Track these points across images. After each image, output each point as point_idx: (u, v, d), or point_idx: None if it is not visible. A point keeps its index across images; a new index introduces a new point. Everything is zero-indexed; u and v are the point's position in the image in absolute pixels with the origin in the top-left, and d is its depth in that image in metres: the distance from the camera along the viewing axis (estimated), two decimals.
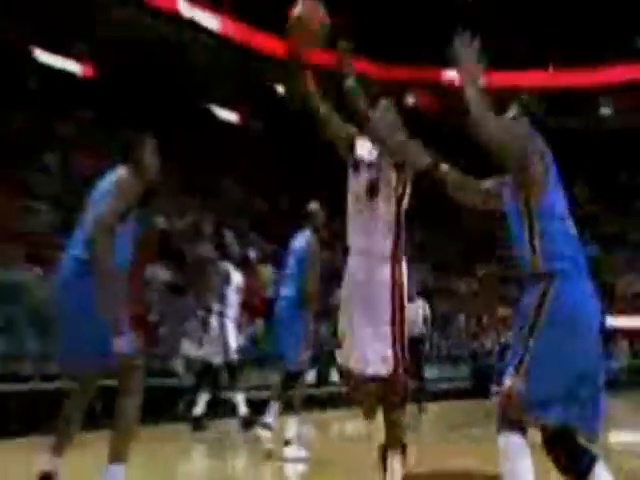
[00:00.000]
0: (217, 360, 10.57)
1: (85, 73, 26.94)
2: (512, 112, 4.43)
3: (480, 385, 19.75)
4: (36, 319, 14.00)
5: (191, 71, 28.98)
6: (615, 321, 26.60)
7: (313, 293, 8.06)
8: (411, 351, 14.94)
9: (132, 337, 4.89)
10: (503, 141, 4.10)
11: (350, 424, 12.38)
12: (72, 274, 4.96)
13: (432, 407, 15.42)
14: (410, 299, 14.45)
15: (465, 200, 4.59)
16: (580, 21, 32.99)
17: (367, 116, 5.10)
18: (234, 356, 10.47)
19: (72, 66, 26.66)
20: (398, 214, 5.16)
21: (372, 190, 5.11)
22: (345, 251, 5.40)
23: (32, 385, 12.36)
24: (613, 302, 27.22)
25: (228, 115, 32.15)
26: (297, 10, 5.00)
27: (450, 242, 31.65)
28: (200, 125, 27.33)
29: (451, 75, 30.91)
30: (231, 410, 10.75)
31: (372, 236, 5.12)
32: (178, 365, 15.03)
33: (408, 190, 5.20)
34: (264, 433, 8.01)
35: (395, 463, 5.08)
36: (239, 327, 11.33)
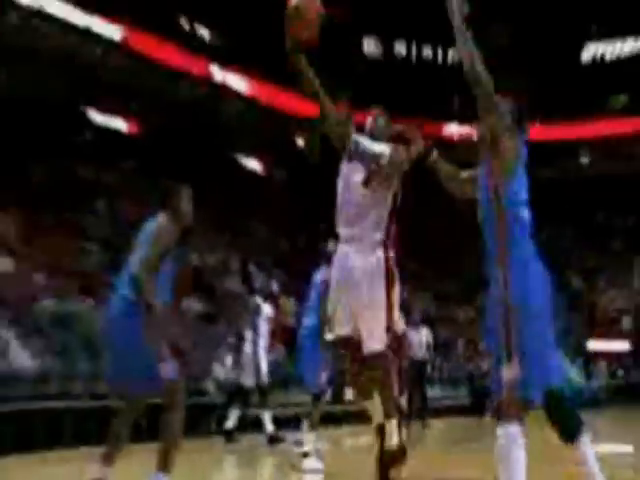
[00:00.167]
0: (249, 382, 10.59)
1: (130, 130, 27.09)
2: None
3: (477, 403, 19.59)
4: (87, 344, 14.03)
5: (221, 127, 29.17)
6: (595, 345, 26.47)
7: None
8: (416, 373, 14.86)
9: (174, 363, 4.93)
10: (489, 92, 3.99)
11: (363, 438, 12.31)
12: (122, 311, 5.03)
13: (435, 423, 15.32)
14: (414, 326, 14.46)
15: (456, 190, 4.49)
16: (560, 83, 33.18)
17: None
18: (265, 379, 10.44)
19: (119, 124, 26.76)
20: (392, 208, 4.94)
21: (368, 181, 4.85)
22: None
23: (83, 402, 12.32)
24: (593, 328, 27.08)
25: (254, 165, 32.31)
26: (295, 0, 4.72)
27: (450, 277, 31.59)
28: (229, 174, 27.46)
29: (451, 130, 31.25)
30: (258, 426, 10.75)
31: (363, 224, 4.85)
32: (209, 386, 15.02)
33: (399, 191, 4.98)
34: (296, 449, 8.08)
35: (391, 428, 4.81)
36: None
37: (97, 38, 25.42)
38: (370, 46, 37.21)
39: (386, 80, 33.27)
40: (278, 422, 10.58)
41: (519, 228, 3.98)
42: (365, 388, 4.94)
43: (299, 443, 8.06)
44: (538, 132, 33.70)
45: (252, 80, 30.36)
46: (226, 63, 29.45)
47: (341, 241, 4.98)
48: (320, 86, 4.80)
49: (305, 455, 7.84)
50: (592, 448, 3.90)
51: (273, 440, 10.04)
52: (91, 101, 25.66)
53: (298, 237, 28.21)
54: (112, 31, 25.87)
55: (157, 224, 5.19)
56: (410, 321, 14.94)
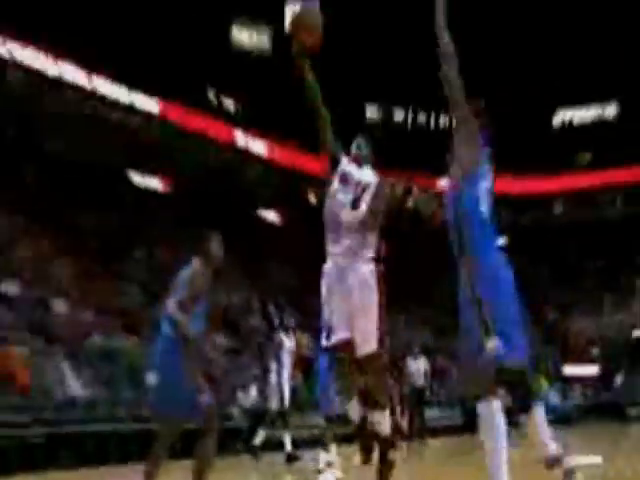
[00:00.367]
0: (274, 407, 10.56)
1: (165, 188, 27.26)
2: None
3: (469, 423, 19.43)
4: (130, 375, 14.05)
5: (244, 184, 29.29)
6: (569, 370, 26.30)
7: None
8: (416, 398, 14.69)
9: (210, 393, 4.93)
10: (460, 103, 3.93)
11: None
12: (165, 348, 5.04)
13: (433, 441, 15.20)
14: (414, 357, 14.40)
15: (426, 210, 4.49)
16: (536, 144, 33.38)
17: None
18: (287, 405, 10.33)
19: (156, 183, 26.95)
20: (380, 229, 4.63)
21: (356, 203, 4.56)
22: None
23: (126, 425, 12.35)
24: (568, 355, 26.95)
25: (272, 217, 32.41)
26: (297, 10, 4.48)
27: (447, 313, 31.44)
28: (251, 225, 27.52)
29: (443, 183, 31.04)
30: (277, 446, 10.71)
31: (352, 243, 4.54)
32: (235, 411, 14.97)
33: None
34: (313, 466, 8.05)
35: (383, 417, 4.60)
36: None
37: (139, 111, 25.89)
38: (372, 112, 37.50)
39: (386, 141, 33.46)
40: (295, 443, 10.55)
41: (482, 230, 3.89)
42: (352, 388, 4.71)
43: (315, 460, 8.03)
44: (517, 186, 33.93)
45: (270, 144, 30.58)
46: (248, 130, 29.58)
47: (332, 257, 4.64)
48: (320, 99, 4.62)
49: (319, 472, 7.83)
50: (543, 417, 3.86)
51: (291, 458, 10.00)
52: (133, 164, 25.73)
53: (310, 278, 28.14)
54: (151, 104, 26.31)
55: (191, 269, 5.15)
56: (411, 353, 14.92)
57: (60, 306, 15.93)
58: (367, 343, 4.48)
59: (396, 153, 31.04)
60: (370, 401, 4.62)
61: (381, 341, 4.46)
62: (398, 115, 37.70)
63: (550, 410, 18.62)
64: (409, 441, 13.66)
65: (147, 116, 26.18)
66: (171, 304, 5.02)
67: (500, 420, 3.59)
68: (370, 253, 4.58)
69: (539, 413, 3.85)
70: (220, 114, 29.57)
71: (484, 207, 3.95)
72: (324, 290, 4.65)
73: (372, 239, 4.59)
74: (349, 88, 28.87)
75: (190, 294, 5.02)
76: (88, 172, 22.09)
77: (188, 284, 5.08)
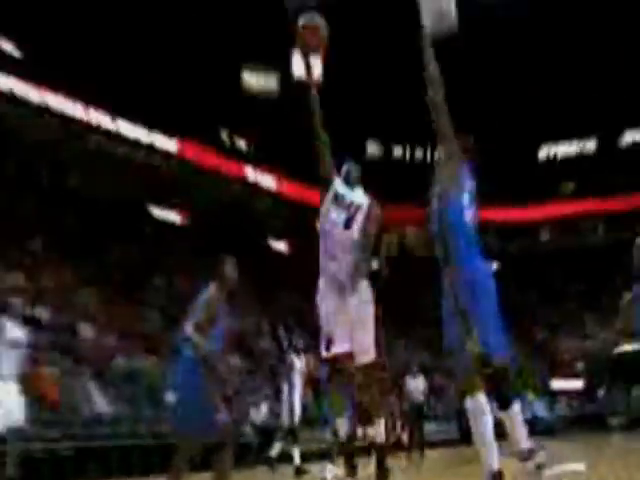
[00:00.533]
0: (286, 423, 10.51)
1: (182, 221, 27.38)
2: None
3: (465, 436, 19.32)
4: (150, 394, 14.07)
5: (254, 217, 29.34)
6: (556, 384, 26.24)
7: None
8: (415, 413, 14.58)
9: (226, 411, 4.95)
10: (445, 126, 3.91)
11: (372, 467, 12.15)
12: (185, 369, 5.03)
13: (430, 453, 15.12)
14: (413, 375, 14.40)
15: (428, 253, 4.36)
16: (523, 176, 33.49)
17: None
18: (297, 421, 10.21)
19: (173, 216, 27.07)
20: (372, 248, 4.57)
21: (349, 223, 4.51)
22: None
23: (147, 441, 12.37)
24: (555, 371, 26.88)
25: (281, 246, 32.44)
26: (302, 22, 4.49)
27: (443, 336, 31.32)
28: (261, 253, 27.51)
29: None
30: (287, 459, 10.69)
31: (346, 261, 4.48)
32: (248, 428, 14.94)
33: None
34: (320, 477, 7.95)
35: (378, 426, 4.50)
36: None
37: (158, 150, 26.01)
38: (372, 148, 37.63)
39: (385, 175, 33.61)
40: (304, 456, 10.53)
41: (466, 240, 3.86)
42: (343, 405, 4.64)
43: (323, 472, 8.01)
44: (506, 215, 34.01)
45: (279, 179, 30.65)
46: (258, 166, 29.72)
47: (327, 273, 4.55)
48: (321, 124, 4.55)
49: None
50: (520, 414, 3.84)
51: (299, 471, 9.97)
52: (153, 199, 25.93)
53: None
54: (170, 144, 26.48)
55: (208, 294, 5.14)
56: (410, 372, 14.88)
57: (87, 330, 15.97)
58: (365, 354, 4.42)
59: (395, 186, 31.17)
60: (365, 415, 4.61)
61: (378, 351, 4.44)
62: (397, 151, 37.87)
63: (538, 421, 18.56)
64: (409, 453, 13.62)
65: (166, 155, 26.28)
66: (188, 327, 5.02)
67: (486, 410, 3.59)
68: (363, 269, 4.48)
69: (517, 410, 3.82)
70: (232, 152, 29.71)
71: (468, 218, 3.93)
72: (321, 305, 4.54)
73: (365, 256, 4.51)
74: (351, 126, 29.12)
75: (206, 317, 5.01)
76: (112, 208, 22.24)
77: (205, 307, 5.07)
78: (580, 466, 8.49)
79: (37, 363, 11.84)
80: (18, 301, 7.06)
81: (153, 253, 22.24)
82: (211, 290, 5.18)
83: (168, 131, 26.08)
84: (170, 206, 26.60)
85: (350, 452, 5.41)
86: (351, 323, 4.42)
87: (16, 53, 22.88)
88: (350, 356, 4.45)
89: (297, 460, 10.21)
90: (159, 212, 26.35)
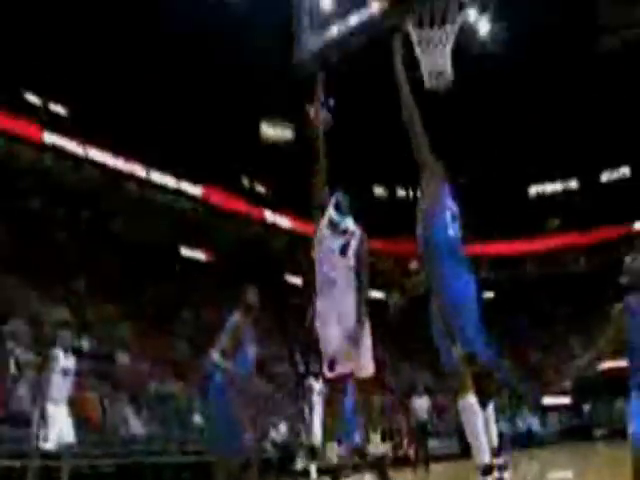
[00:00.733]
0: (305, 442, 10.41)
1: (207, 259, 27.39)
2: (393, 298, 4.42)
3: (466, 451, 19.12)
4: (179, 416, 14.14)
5: (272, 254, 29.40)
6: (547, 400, 26.10)
7: None
8: (420, 430, 14.51)
9: (252, 431, 5.01)
10: (423, 151, 3.90)
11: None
12: (216, 393, 5.02)
13: (435, 466, 15.04)
14: (419, 395, 14.39)
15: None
16: (514, 212, 33.60)
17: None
18: (317, 440, 9.99)
19: (199, 255, 27.06)
20: (359, 275, 4.28)
21: (344, 249, 4.27)
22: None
23: (177, 458, 12.41)
24: (545, 388, 26.65)
25: (297, 281, 32.35)
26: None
27: None
28: (279, 287, 27.48)
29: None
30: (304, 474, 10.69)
31: (343, 283, 4.24)
32: (268, 445, 14.91)
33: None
34: None
35: (376, 438, 4.29)
36: None
37: (185, 195, 26.36)
38: (378, 190, 37.81)
39: (391, 215, 33.68)
40: (320, 471, 10.52)
41: (450, 254, 3.83)
42: (334, 431, 4.37)
43: None
44: (498, 248, 34.09)
45: (294, 219, 30.79)
46: (275, 208, 29.89)
47: (325, 296, 4.27)
48: (323, 151, 4.48)
49: None
50: (494, 416, 3.86)
51: None
52: (181, 239, 26.00)
53: None
54: (195, 190, 26.79)
55: (233, 320, 5.12)
56: (415, 392, 14.86)
57: (123, 359, 16.14)
58: (364, 369, 4.21)
59: (399, 223, 31.22)
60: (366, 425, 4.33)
61: (377, 368, 4.25)
62: (400, 192, 38.04)
63: (532, 434, 18.46)
64: (415, 467, 13.59)
65: (193, 200, 26.64)
66: (214, 353, 5.00)
67: (477, 409, 3.61)
68: (356, 293, 4.24)
69: (490, 411, 3.85)
70: (252, 196, 30.01)
71: (453, 233, 3.91)
72: (323, 328, 4.23)
73: (362, 279, 4.27)
74: (359, 171, 29.47)
75: (231, 342, 4.97)
76: (146, 249, 22.42)
77: (230, 333, 5.05)
78: (568, 473, 8.52)
79: (82, 388, 12.04)
80: (67, 334, 7.27)
81: (182, 289, 22.29)
82: (236, 317, 5.14)
83: (195, 178, 26.38)
84: (197, 245, 26.61)
85: (340, 474, 5.28)
86: (350, 342, 4.15)
87: (61, 111, 23.52)
88: (350, 377, 4.28)
89: (314, 475, 10.20)
90: (187, 252, 26.38)
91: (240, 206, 28.66)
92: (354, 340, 4.13)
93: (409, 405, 14.41)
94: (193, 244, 26.49)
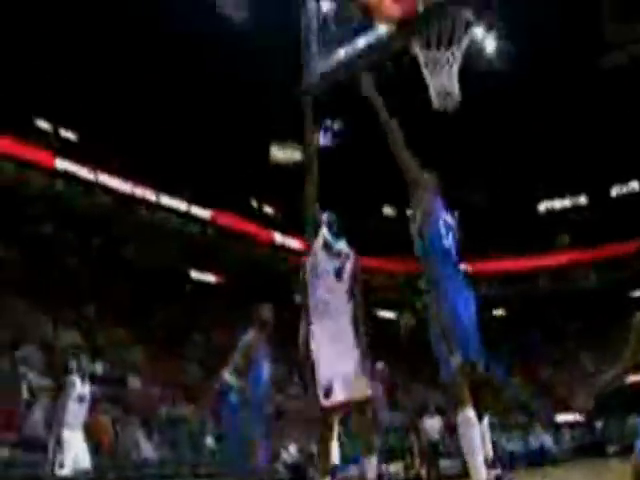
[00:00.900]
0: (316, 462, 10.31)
1: (217, 281, 27.47)
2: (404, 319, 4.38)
3: None
4: (190, 439, 14.09)
5: (281, 276, 29.37)
6: (560, 417, 25.90)
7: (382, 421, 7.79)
8: (432, 450, 14.35)
9: (264, 451, 4.96)
10: (411, 170, 3.92)
11: None
12: (229, 413, 4.99)
13: None
14: (431, 415, 14.24)
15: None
16: (526, 229, 33.59)
17: None
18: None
19: (209, 277, 27.14)
20: (354, 295, 4.18)
21: (340, 272, 4.14)
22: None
23: None
24: (558, 405, 26.44)
25: None
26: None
27: None
28: (286, 309, 27.36)
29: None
30: None
31: (338, 305, 4.12)
32: (279, 466, 14.89)
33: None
34: None
35: (370, 463, 4.14)
36: None
37: (194, 218, 26.53)
38: (387, 210, 37.84)
39: (399, 233, 33.57)
40: None
41: (446, 261, 3.83)
42: (328, 464, 4.22)
43: None
44: (509, 265, 34.03)
45: (303, 241, 30.72)
46: (284, 230, 29.84)
47: (321, 320, 4.12)
48: (316, 168, 4.44)
49: None
50: (488, 430, 3.84)
51: None
52: (191, 263, 26.11)
53: None
54: (205, 213, 26.96)
55: (246, 339, 5.13)
56: (427, 412, 14.72)
57: (135, 382, 16.14)
58: (359, 391, 4.04)
59: (408, 242, 31.17)
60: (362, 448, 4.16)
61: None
62: (409, 212, 37.97)
63: (545, 451, 18.19)
64: None
65: (202, 223, 26.81)
66: (226, 373, 4.98)
67: (474, 423, 3.60)
68: (351, 313, 4.14)
69: (485, 423, 3.84)
70: (261, 218, 30.10)
71: (446, 242, 3.88)
72: (318, 352, 4.07)
73: (356, 300, 4.18)
74: (368, 192, 29.53)
75: (244, 360, 4.97)
76: (156, 273, 22.53)
77: (242, 350, 5.05)
78: None
79: (95, 413, 12.03)
80: (84, 361, 7.30)
81: (192, 312, 22.29)
82: (249, 334, 5.14)
83: (204, 202, 26.54)
84: (206, 268, 26.71)
85: None
86: (345, 366, 4.02)
87: (72, 137, 23.79)
88: (347, 406, 4.10)
89: None
90: (197, 274, 26.46)
91: (249, 228, 28.73)
92: (352, 364, 4.03)
93: (420, 425, 14.26)
94: (203, 267, 26.56)
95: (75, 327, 16.85)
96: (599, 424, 24.61)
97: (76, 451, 6.70)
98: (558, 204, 36.46)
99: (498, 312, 33.43)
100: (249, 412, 4.89)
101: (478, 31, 20.44)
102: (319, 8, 4.75)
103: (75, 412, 6.81)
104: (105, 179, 23.36)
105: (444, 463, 16.93)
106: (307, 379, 3.97)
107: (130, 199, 24.11)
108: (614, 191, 34.38)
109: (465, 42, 4.15)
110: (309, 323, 4.12)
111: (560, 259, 33.93)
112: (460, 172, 32.14)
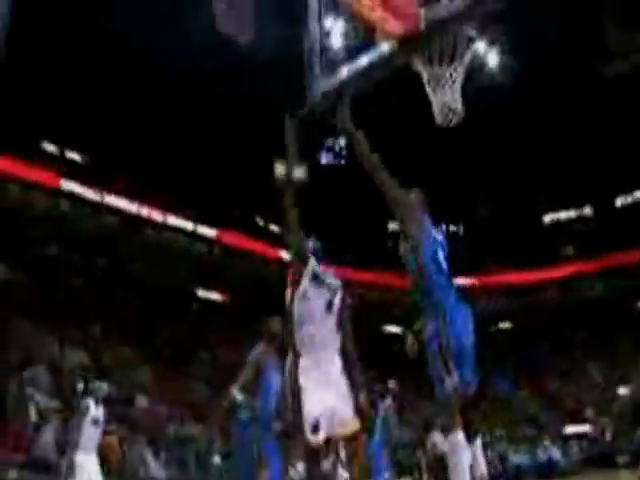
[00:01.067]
0: None
1: (223, 299, 27.34)
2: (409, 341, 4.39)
3: None
4: (197, 457, 14.02)
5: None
6: (569, 429, 25.70)
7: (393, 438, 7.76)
8: (440, 465, 14.23)
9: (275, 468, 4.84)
10: (390, 189, 3.90)
11: None
12: (238, 430, 4.92)
13: None
14: (438, 430, 14.10)
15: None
16: (531, 240, 33.57)
17: None
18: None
19: (216, 296, 27.06)
20: (342, 326, 4.03)
21: (330, 305, 3.98)
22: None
23: None
24: (567, 417, 26.21)
25: None
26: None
27: None
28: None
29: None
30: None
31: (327, 338, 3.96)
32: None
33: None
34: None
35: None
36: None
37: (200, 237, 26.54)
38: (393, 226, 37.83)
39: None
40: None
41: (441, 278, 3.83)
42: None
43: None
44: (514, 277, 33.96)
45: None
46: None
47: (308, 352, 3.94)
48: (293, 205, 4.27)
49: None
50: (481, 450, 3.83)
51: None
52: (197, 281, 26.11)
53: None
54: (211, 232, 26.95)
55: (255, 353, 5.11)
56: (435, 426, 14.65)
57: (142, 402, 16.10)
58: (347, 426, 3.87)
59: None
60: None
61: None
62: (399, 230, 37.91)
63: (554, 464, 18.06)
64: None
65: (208, 242, 26.84)
66: (234, 390, 4.96)
67: (464, 445, 3.61)
68: (340, 344, 4.00)
69: (478, 444, 3.83)
70: (267, 236, 30.13)
71: (440, 259, 3.90)
72: (306, 386, 3.88)
73: (344, 331, 4.04)
74: (375, 209, 29.50)
75: (253, 374, 4.94)
76: (162, 292, 22.47)
77: (250, 365, 5.04)
78: None
79: (104, 433, 11.96)
80: (101, 385, 7.27)
81: (198, 331, 22.30)
82: (258, 348, 5.11)
83: (210, 221, 26.58)
84: (213, 287, 26.67)
85: None
86: (333, 400, 3.85)
87: (77, 158, 23.93)
88: (335, 440, 3.96)
89: None
90: (203, 293, 26.44)
91: (255, 246, 28.74)
92: (340, 398, 3.88)
93: (428, 440, 14.16)
94: (209, 286, 26.52)
95: (82, 347, 16.84)
96: (608, 435, 24.39)
97: (89, 474, 6.67)
98: (563, 215, 36.44)
99: (504, 325, 33.25)
100: (258, 429, 4.86)
101: (480, 46, 20.55)
102: (321, 26, 4.78)
103: (89, 435, 6.80)
104: (111, 200, 23.45)
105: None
106: (294, 415, 3.82)
107: (136, 219, 24.18)
108: (619, 201, 34.32)
109: (467, 57, 4.16)
110: (297, 356, 3.95)
111: (566, 270, 33.83)
112: (465, 185, 32.37)
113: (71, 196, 22.39)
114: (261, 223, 30.91)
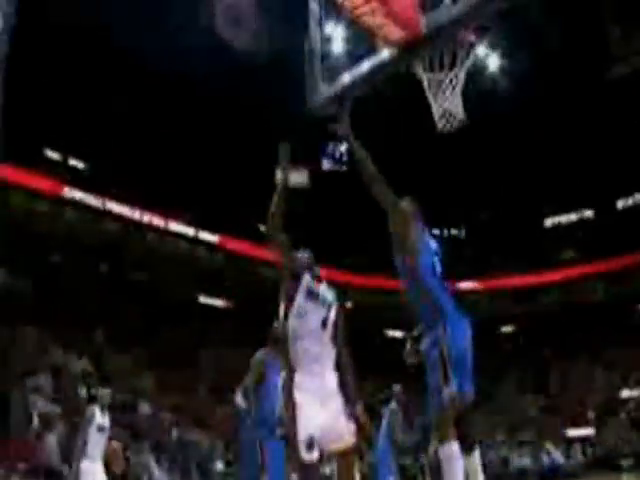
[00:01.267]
0: None
1: (226, 305, 27.26)
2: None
3: None
4: (199, 463, 13.96)
5: None
6: (571, 432, 25.64)
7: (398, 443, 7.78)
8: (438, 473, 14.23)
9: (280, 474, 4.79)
10: (385, 199, 3.92)
11: None
12: (244, 436, 4.90)
13: None
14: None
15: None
16: (531, 245, 33.53)
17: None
18: None
19: (218, 302, 27.13)
20: (338, 341, 3.96)
21: (325, 322, 3.90)
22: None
23: None
24: (570, 420, 26.13)
25: None
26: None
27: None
28: None
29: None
30: None
31: (323, 354, 3.89)
32: None
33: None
34: None
35: None
36: None
37: (202, 243, 26.62)
38: None
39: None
40: None
41: (440, 287, 3.84)
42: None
43: None
44: (517, 281, 33.92)
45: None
46: None
47: (304, 368, 3.86)
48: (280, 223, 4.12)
49: None
50: (480, 461, 3.78)
51: None
52: (200, 288, 26.13)
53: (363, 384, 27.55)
54: (212, 238, 27.03)
55: (258, 356, 5.13)
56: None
57: (144, 408, 16.08)
58: (342, 441, 3.81)
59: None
60: None
61: (359, 428, 3.80)
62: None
63: (557, 468, 18.03)
64: None
65: (210, 248, 26.87)
66: (238, 396, 4.99)
67: (458, 456, 3.58)
68: (335, 359, 3.94)
69: (477, 455, 3.79)
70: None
71: (438, 268, 3.91)
72: (300, 399, 3.79)
73: (340, 346, 3.96)
74: (376, 213, 29.42)
75: (255, 376, 4.94)
76: (165, 298, 22.53)
77: (254, 368, 5.04)
78: None
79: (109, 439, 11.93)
80: (106, 392, 7.24)
81: (201, 337, 22.28)
82: (261, 351, 5.12)
83: (211, 227, 26.66)
84: (215, 293, 26.69)
85: None
86: (329, 417, 3.79)
87: (80, 165, 23.98)
88: (330, 457, 3.91)
89: None
90: (205, 299, 26.46)
91: (257, 252, 28.75)
92: (335, 413, 3.81)
93: (430, 445, 14.14)
94: (211, 291, 26.54)
95: (85, 354, 16.82)
96: (611, 437, 24.36)
97: None
98: (564, 219, 36.41)
99: (507, 329, 33.17)
100: (263, 430, 4.82)
101: (481, 51, 20.56)
102: (322, 32, 4.78)
103: (95, 442, 6.78)
104: (113, 206, 23.49)
105: None
106: (289, 431, 3.74)
107: (139, 226, 24.21)
108: (620, 204, 34.30)
109: (468, 63, 4.16)
110: (292, 371, 3.89)
111: (568, 273, 33.79)
112: (467, 190, 32.38)
113: (74, 203, 22.44)
114: (262, 229, 30.92)
